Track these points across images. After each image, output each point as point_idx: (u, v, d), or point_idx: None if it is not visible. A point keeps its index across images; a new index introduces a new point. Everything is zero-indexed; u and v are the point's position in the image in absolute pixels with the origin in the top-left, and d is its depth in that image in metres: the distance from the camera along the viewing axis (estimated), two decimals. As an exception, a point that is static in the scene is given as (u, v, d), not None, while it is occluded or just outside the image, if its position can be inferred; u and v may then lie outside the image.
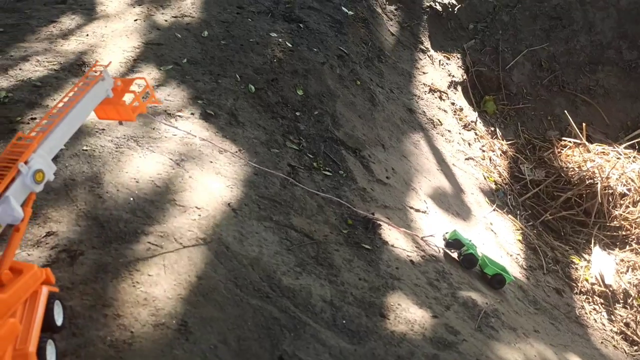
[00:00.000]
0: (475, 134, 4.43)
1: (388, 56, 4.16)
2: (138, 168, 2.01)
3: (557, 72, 5.29)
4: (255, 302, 1.60)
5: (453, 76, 4.67)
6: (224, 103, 2.70)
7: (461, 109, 4.48)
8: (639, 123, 5.18)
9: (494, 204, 3.77)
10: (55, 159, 1.30)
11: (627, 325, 3.27)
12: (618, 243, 3.82)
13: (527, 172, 4.26)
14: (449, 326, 1.92)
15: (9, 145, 1.21)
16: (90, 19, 3.02)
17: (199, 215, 1.89)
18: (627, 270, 3.58)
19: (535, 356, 2.22)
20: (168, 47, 2.93)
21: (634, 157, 4.37)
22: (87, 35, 2.83)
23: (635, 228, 3.84)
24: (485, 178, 4.03)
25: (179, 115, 2.46)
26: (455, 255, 2.61)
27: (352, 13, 4.12)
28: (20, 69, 2.43)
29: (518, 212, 3.91)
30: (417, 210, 2.93)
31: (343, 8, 4.11)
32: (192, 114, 2.51)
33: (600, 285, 3.46)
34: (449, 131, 4.12)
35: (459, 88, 4.69)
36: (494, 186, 4.04)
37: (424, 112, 4.03)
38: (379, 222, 2.37)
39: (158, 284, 1.53)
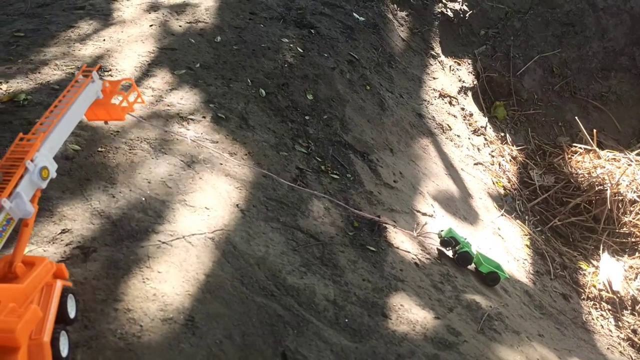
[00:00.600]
0: (485, 139, 4.45)
1: (398, 61, 4.21)
2: (150, 169, 2.08)
3: (568, 78, 5.29)
4: (260, 299, 1.66)
5: (463, 82, 4.69)
6: (235, 107, 2.76)
7: (471, 115, 4.50)
8: (651, 130, 5.17)
9: (502, 209, 3.79)
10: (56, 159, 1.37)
11: (634, 331, 3.26)
12: (627, 250, 3.81)
13: (536, 178, 4.27)
14: (451, 327, 1.96)
15: (12, 145, 1.27)
16: (107, 24, 3.11)
17: (208, 215, 1.95)
18: (636, 277, 3.57)
19: (538, 359, 2.24)
20: (182, 52, 3.01)
21: (645, 163, 4.36)
22: (104, 40, 2.92)
23: (644, 235, 3.83)
24: (494, 183, 4.05)
25: (191, 119, 2.52)
26: (450, 253, 2.62)
27: (363, 19, 4.17)
28: (39, 73, 2.52)
29: (526, 217, 3.92)
30: (424, 214, 2.97)
31: (354, 14, 4.16)
32: (204, 117, 2.57)
33: (608, 292, 3.45)
34: (458, 136, 4.14)
35: (469, 93, 4.72)
36: (502, 191, 4.05)
37: (433, 117, 4.06)
38: (376, 220, 2.41)
39: (167, 281, 1.59)
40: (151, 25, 3.17)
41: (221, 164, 2.30)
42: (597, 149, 4.50)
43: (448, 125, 4.13)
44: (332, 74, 3.40)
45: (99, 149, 2.08)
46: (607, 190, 4.00)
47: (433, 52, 4.63)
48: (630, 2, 5.59)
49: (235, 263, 1.78)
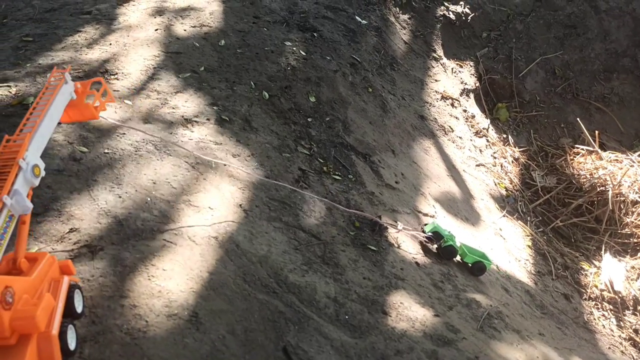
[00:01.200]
0: (487, 140, 4.48)
1: (400, 64, 4.25)
2: (155, 170, 2.12)
3: (571, 80, 5.31)
4: (263, 296, 1.70)
5: (465, 84, 4.73)
6: (239, 109, 2.81)
7: (473, 116, 4.53)
8: (654, 131, 5.18)
9: (504, 209, 3.82)
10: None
11: (636, 331, 3.28)
12: (629, 250, 3.83)
13: (538, 179, 4.29)
14: (450, 325, 1.99)
15: (0, 147, 1.29)
16: (114, 28, 3.16)
17: (212, 215, 2.00)
18: (637, 278, 3.59)
19: (538, 357, 2.27)
20: (186, 55, 3.06)
21: (647, 164, 4.38)
22: (110, 44, 2.97)
23: (646, 235, 3.85)
24: (495, 184, 4.08)
25: (195, 121, 2.57)
26: (434, 248, 2.62)
27: (365, 22, 4.22)
28: (47, 76, 2.57)
29: (528, 218, 3.95)
30: (426, 215, 3.00)
31: (357, 17, 4.21)
32: (208, 119, 2.62)
33: (609, 292, 3.47)
34: (460, 138, 4.18)
35: (472, 95, 4.75)
36: (504, 192, 4.08)
37: (435, 119, 4.10)
38: (371, 218, 2.45)
39: (172, 278, 1.64)
40: (156, 30, 3.22)
41: (225, 165, 2.34)
42: (599, 150, 4.52)
43: (450, 127, 4.16)
44: (334, 77, 3.45)
45: (106, 151, 2.12)
46: (609, 191, 4.02)
47: (435, 55, 4.67)
48: (632, 4, 5.61)
49: (238, 261, 1.82)
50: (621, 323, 3.33)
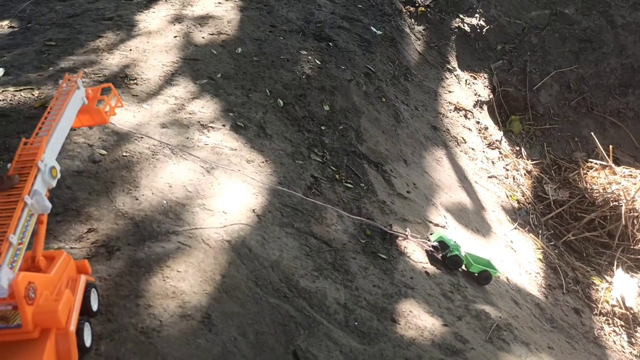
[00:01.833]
0: (500, 152, 4.48)
1: (414, 75, 4.28)
2: (172, 174, 2.17)
3: (585, 94, 5.30)
4: (274, 300, 1.73)
5: (479, 95, 4.74)
6: (254, 116, 2.85)
7: (486, 128, 4.54)
8: (669, 147, 5.14)
9: (515, 222, 3.81)
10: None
11: (647, 348, 3.25)
12: (642, 266, 3.80)
13: (550, 192, 4.28)
14: (459, 335, 2.00)
15: (18, 149, 1.34)
16: (134, 34, 3.24)
17: (226, 219, 2.03)
18: (650, 294, 3.56)
19: (546, 371, 2.26)
20: (204, 62, 3.12)
21: (662, 180, 4.35)
22: (130, 49, 3.04)
23: (659, 252, 3.82)
24: (507, 196, 4.08)
25: (211, 127, 2.62)
26: (439, 257, 2.62)
27: (380, 33, 4.26)
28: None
29: (540, 231, 3.94)
30: (437, 225, 3.01)
31: (372, 28, 4.25)
32: (224, 125, 2.67)
33: (621, 308, 3.45)
34: (472, 149, 4.18)
35: (485, 107, 4.76)
36: (516, 205, 4.07)
37: (448, 129, 4.11)
38: (375, 225, 2.46)
39: (186, 280, 1.67)
40: (175, 37, 3.29)
41: (239, 171, 2.38)
42: (612, 165, 4.50)
43: (463, 138, 4.17)
44: (348, 86, 3.48)
45: (124, 154, 2.17)
46: (622, 206, 4.00)
47: (449, 66, 4.69)
48: (649, 19, 5.60)
49: (250, 265, 1.85)
50: (632, 339, 3.30)
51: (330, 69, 3.54)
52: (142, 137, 2.32)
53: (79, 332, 1.31)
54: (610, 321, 3.38)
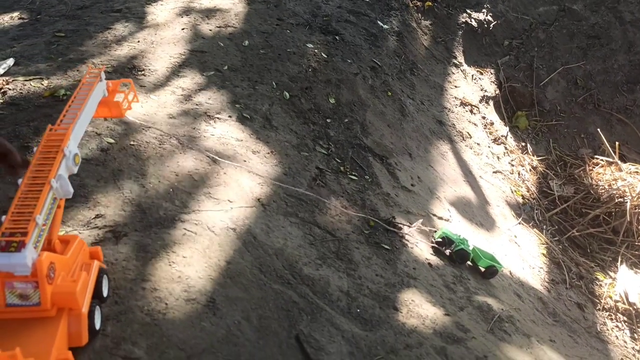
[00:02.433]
0: (505, 148, 4.48)
1: (420, 69, 4.28)
2: (178, 163, 2.20)
3: (592, 90, 5.28)
4: (277, 286, 1.75)
5: (485, 91, 4.74)
6: (260, 108, 2.88)
7: (492, 123, 4.54)
8: (676, 144, 5.12)
9: (519, 217, 3.82)
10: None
11: (649, 344, 3.25)
12: (646, 263, 3.80)
13: (555, 188, 4.28)
14: (460, 324, 2.02)
15: (44, 135, 1.37)
16: (142, 26, 3.27)
17: (231, 207, 2.06)
18: (653, 290, 3.56)
19: (547, 362, 2.28)
20: (211, 54, 3.14)
21: (668, 177, 4.33)
22: (138, 41, 3.07)
23: (664, 248, 3.81)
24: (512, 192, 4.08)
25: (217, 118, 2.65)
26: (447, 252, 2.62)
27: (387, 27, 4.27)
28: (77, 71, 2.68)
29: (544, 226, 3.94)
30: (440, 218, 3.03)
31: (379, 22, 4.26)
32: (230, 116, 2.70)
33: (624, 303, 3.45)
34: (478, 144, 4.19)
35: (491, 103, 4.76)
36: (521, 200, 4.08)
37: (453, 124, 4.12)
38: (374, 220, 2.48)
39: (191, 265, 1.70)
40: (183, 29, 3.32)
41: (245, 161, 2.41)
42: (618, 162, 4.49)
43: (468, 133, 4.18)
44: (354, 80, 3.50)
45: (132, 143, 2.21)
46: (627, 202, 3.99)
47: (456, 61, 4.70)
48: (658, 15, 5.56)
49: (254, 252, 1.88)
50: (635, 335, 3.31)
51: (337, 62, 3.55)
52: (149, 127, 2.36)
53: (91, 314, 1.34)
54: (613, 316, 3.39)
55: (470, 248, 2.66)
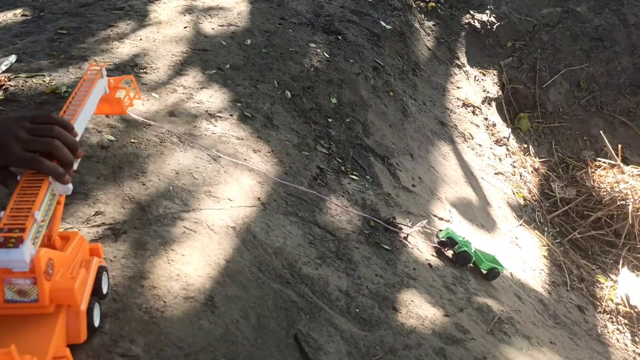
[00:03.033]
0: (507, 149, 4.47)
1: (423, 70, 4.28)
2: (178, 161, 2.20)
3: (595, 92, 5.27)
4: (276, 286, 1.75)
5: (488, 92, 4.73)
6: (261, 107, 2.87)
7: (494, 125, 4.53)
8: (679, 147, 5.10)
9: (521, 219, 3.81)
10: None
11: (650, 347, 3.24)
12: (648, 266, 3.79)
13: (557, 190, 4.27)
14: (460, 325, 2.01)
15: None
16: (144, 24, 3.27)
17: (231, 206, 2.06)
18: (655, 293, 3.55)
19: (547, 364, 2.27)
20: (213, 53, 3.14)
21: (670, 180, 4.32)
22: (141, 39, 3.07)
23: (666, 252, 3.80)
24: (514, 193, 4.07)
25: (218, 116, 2.64)
26: (449, 253, 2.62)
27: (390, 27, 4.26)
28: (79, 68, 2.68)
29: (546, 228, 3.93)
30: (441, 219, 3.02)
31: (381, 22, 4.26)
32: (231, 115, 2.69)
33: (625, 306, 3.44)
34: (479, 145, 4.18)
35: (493, 104, 4.75)
36: (522, 202, 4.07)
37: (455, 125, 4.11)
38: (374, 219, 2.48)
39: (190, 263, 1.70)
40: (185, 27, 3.32)
41: (245, 160, 2.41)
42: (621, 164, 4.47)
43: (470, 134, 4.17)
44: (356, 80, 3.50)
45: (132, 140, 2.20)
46: (629, 205, 3.98)
47: (458, 62, 4.69)
48: (662, 18, 5.55)
49: (254, 251, 1.87)
50: (636, 338, 3.30)
51: (339, 62, 3.55)
52: (149, 125, 2.35)
53: (89, 311, 1.34)
54: (614, 319, 3.37)
55: (472, 251, 2.65)
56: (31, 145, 1.19)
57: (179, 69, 2.92)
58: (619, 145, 4.61)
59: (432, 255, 2.56)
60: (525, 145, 4.68)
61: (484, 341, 2.02)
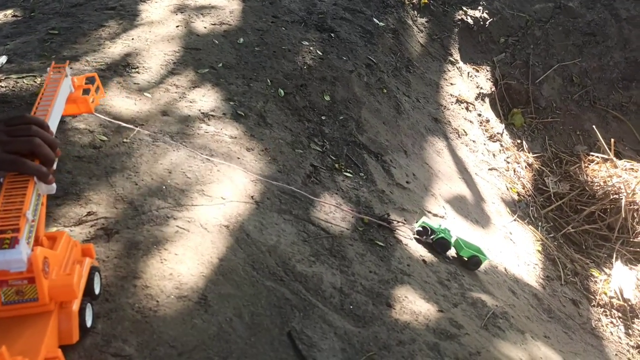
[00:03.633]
0: (501, 145, 4.49)
1: (416, 66, 4.28)
2: (171, 160, 2.19)
3: (588, 87, 5.29)
4: (270, 283, 1.75)
5: (481, 88, 4.74)
6: (254, 105, 2.87)
7: (488, 121, 4.54)
8: (671, 141, 5.13)
9: (515, 214, 3.82)
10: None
11: (644, 340, 3.26)
12: (641, 259, 3.81)
13: (551, 185, 4.29)
14: (454, 321, 2.02)
15: None
16: (136, 24, 3.26)
17: (224, 205, 2.06)
18: (648, 286, 3.57)
19: (542, 358, 2.28)
20: (205, 52, 3.14)
21: (663, 174, 4.34)
22: (133, 39, 3.06)
23: (659, 245, 3.82)
24: (508, 189, 4.09)
25: (211, 115, 2.64)
26: (428, 240, 2.59)
27: (383, 24, 4.26)
28: (71, 68, 2.65)
29: (539, 223, 3.95)
30: (435, 215, 3.03)
31: (374, 19, 4.26)
32: (224, 114, 2.69)
33: (619, 299, 3.46)
34: (473, 141, 4.19)
35: (487, 100, 4.76)
36: (516, 197, 4.08)
37: (449, 122, 4.12)
38: (367, 217, 2.48)
39: (183, 262, 1.70)
40: (177, 26, 3.31)
41: (239, 158, 2.41)
42: (614, 159, 4.49)
43: (464, 130, 4.18)
44: (349, 77, 3.50)
45: (124, 140, 2.20)
46: (622, 199, 4.00)
47: (451, 59, 4.69)
48: (654, 12, 5.57)
49: (247, 249, 1.88)
50: (630, 331, 3.32)
51: (332, 59, 3.55)
52: (142, 124, 2.35)
53: (82, 312, 1.34)
54: (608, 313, 3.39)
55: (454, 238, 2.63)
56: (11, 146, 1.18)
57: (171, 68, 2.92)
58: (612, 140, 4.63)
59: (426, 251, 2.57)
60: (519, 141, 4.70)
61: (478, 336, 2.03)
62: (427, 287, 2.23)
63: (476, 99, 4.61)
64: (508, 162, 4.37)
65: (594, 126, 4.87)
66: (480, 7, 5.10)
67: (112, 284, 1.57)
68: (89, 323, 1.38)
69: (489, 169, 4.09)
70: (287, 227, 2.14)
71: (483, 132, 4.42)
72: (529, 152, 4.62)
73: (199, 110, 2.65)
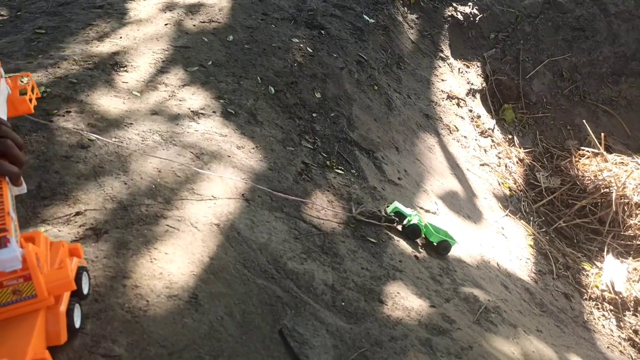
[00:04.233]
0: (492, 141, 4.50)
1: (407, 63, 4.28)
2: (161, 159, 2.18)
3: (578, 82, 5.32)
4: (261, 281, 1.74)
5: (472, 84, 4.75)
6: (245, 103, 2.86)
7: (479, 117, 4.55)
8: (660, 134, 5.17)
9: (507, 209, 3.84)
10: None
11: (635, 332, 3.28)
12: (632, 252, 3.83)
13: (542, 180, 4.31)
14: (446, 316, 2.02)
15: None
16: (124, 22, 3.23)
17: (215, 203, 2.04)
18: (639, 279, 3.59)
19: (534, 352, 2.29)
20: (195, 50, 3.12)
21: (653, 168, 4.37)
22: (121, 37, 3.04)
23: (650, 238, 3.85)
24: (499, 184, 4.10)
25: (201, 113, 2.63)
26: (399, 227, 2.58)
27: (373, 21, 4.26)
28: (58, 67, 2.64)
29: (531, 218, 3.97)
30: (427, 211, 3.03)
31: (364, 16, 4.25)
32: (214, 112, 2.67)
33: (610, 292, 3.48)
34: (465, 137, 4.20)
35: (478, 96, 4.77)
36: (508, 192, 4.09)
37: (440, 118, 4.12)
38: (356, 215, 2.48)
39: (173, 262, 1.68)
40: (166, 24, 3.28)
41: (229, 157, 2.39)
42: (604, 153, 4.52)
43: (455, 126, 4.19)
44: (340, 74, 3.49)
45: (113, 139, 2.18)
46: (612, 193, 4.02)
47: (442, 55, 4.70)
48: (642, 7, 5.60)
49: (238, 248, 1.87)
50: (621, 323, 3.34)
51: (322, 56, 3.54)
52: (131, 124, 2.33)
53: (70, 312, 1.32)
54: (600, 306, 3.41)
55: (423, 224, 2.62)
56: None
57: (161, 67, 2.89)
58: (602, 134, 4.66)
59: (419, 247, 2.57)
60: (510, 136, 4.71)
61: (470, 331, 2.03)
62: (419, 283, 2.23)
63: (467, 94, 4.62)
64: (499, 158, 4.38)
65: (584, 121, 4.90)
66: (470, 3, 5.11)
67: (101, 284, 1.55)
68: (77, 323, 1.36)
69: (481, 165, 4.10)
70: (278, 224, 2.13)
71: (474, 128, 4.43)
72: (520, 147, 4.64)
73: (189, 108, 2.63)
